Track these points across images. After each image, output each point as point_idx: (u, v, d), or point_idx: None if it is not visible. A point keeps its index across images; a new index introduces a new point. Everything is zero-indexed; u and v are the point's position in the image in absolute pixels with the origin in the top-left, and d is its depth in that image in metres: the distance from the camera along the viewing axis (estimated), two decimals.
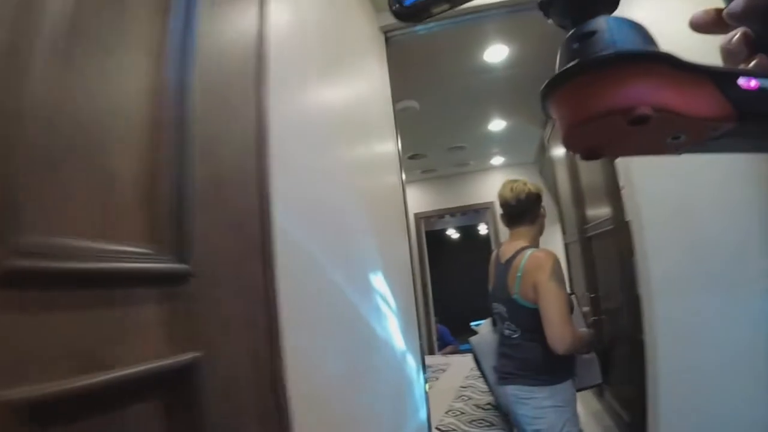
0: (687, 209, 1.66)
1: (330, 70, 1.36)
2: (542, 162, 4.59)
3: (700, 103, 0.25)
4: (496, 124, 3.92)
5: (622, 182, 1.96)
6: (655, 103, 0.24)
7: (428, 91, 3.06)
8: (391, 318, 1.57)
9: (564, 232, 3.83)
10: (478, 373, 3.56)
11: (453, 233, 9.19)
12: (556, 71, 0.26)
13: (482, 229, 8.21)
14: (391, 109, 2.10)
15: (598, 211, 2.49)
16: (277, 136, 0.89)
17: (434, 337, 5.60)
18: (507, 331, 1.88)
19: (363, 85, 1.75)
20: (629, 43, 0.25)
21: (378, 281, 1.50)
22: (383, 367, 1.48)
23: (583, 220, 2.89)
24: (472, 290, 6.39)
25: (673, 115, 0.24)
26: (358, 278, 1.33)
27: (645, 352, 1.79)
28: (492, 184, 5.56)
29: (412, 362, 1.82)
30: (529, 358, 1.83)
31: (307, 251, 0.99)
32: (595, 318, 2.67)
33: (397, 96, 3.09)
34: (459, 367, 4.16)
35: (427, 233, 6.35)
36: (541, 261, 1.75)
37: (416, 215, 5.56)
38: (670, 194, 1.68)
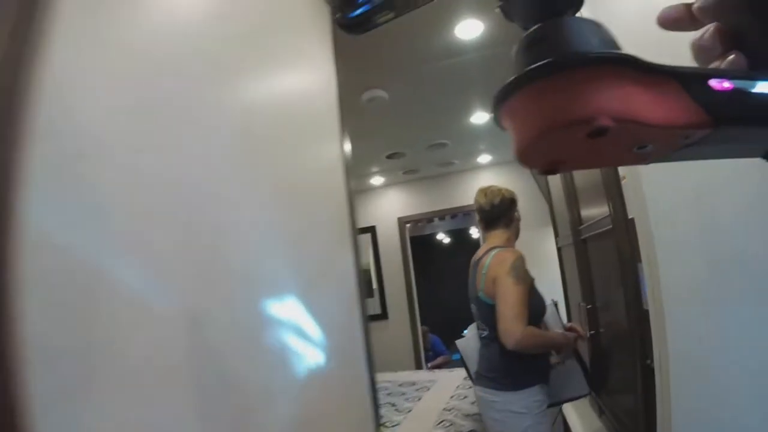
0: (705, 201, 1.29)
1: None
2: None
3: (668, 109, 0.23)
4: (479, 117, 3.54)
5: (623, 171, 1.60)
6: (616, 112, 0.22)
7: (397, 78, 2.70)
8: (309, 352, 1.18)
9: (556, 235, 3.47)
10: (464, 392, 3.30)
11: (443, 238, 8.79)
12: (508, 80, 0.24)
13: (473, 232, 7.84)
14: (335, 101, 1.71)
15: (595, 209, 2.13)
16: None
17: (422, 350, 5.22)
18: (479, 330, 1.92)
19: (280, 73, 1.36)
20: (586, 45, 0.23)
21: (285, 306, 1.10)
22: None
23: (577, 220, 2.52)
24: (464, 296, 5.96)
25: (636, 124, 0.22)
26: (238, 309, 0.92)
27: (655, 383, 1.43)
28: (480, 185, 5.06)
29: (356, 404, 1.43)
30: (493, 359, 1.82)
31: (108, 273, 0.61)
32: (592, 332, 2.30)
33: (362, 85, 2.75)
34: (446, 382, 3.81)
35: (416, 238, 5.99)
36: (504, 257, 1.78)
37: (400, 219, 5.20)
38: (684, 184, 1.30)
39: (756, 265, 1.07)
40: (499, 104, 0.25)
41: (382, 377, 4.46)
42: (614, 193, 1.75)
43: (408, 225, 5.33)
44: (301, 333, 1.11)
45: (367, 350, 1.44)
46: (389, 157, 4.25)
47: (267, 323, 1.00)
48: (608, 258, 2.02)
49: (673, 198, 1.31)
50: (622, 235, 1.71)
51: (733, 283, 1.16)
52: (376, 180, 5.14)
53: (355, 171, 4.82)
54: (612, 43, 0.24)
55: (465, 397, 3.34)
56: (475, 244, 6.92)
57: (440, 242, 8.78)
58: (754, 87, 0.24)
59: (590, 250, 2.37)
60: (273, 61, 1.31)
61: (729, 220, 1.17)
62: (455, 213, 5.36)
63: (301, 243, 1.21)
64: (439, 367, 5.85)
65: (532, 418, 1.74)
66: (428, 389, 3.85)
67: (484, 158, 4.85)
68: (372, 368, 1.48)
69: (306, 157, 1.39)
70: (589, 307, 2.36)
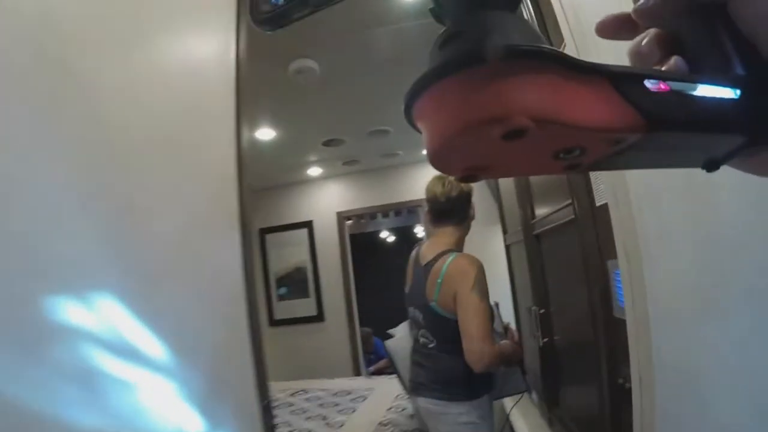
0: (698, 184, 1.01)
1: None
2: None
3: (597, 111, 0.21)
4: None
5: None
6: (536, 111, 0.20)
7: (329, 46, 2.33)
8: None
9: (505, 232, 3.18)
10: (402, 403, 3.05)
11: (387, 236, 8.46)
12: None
13: (419, 231, 7.57)
14: (232, 73, 1.34)
15: (551, 199, 1.84)
16: None
17: (361, 353, 4.87)
18: (423, 339, 1.76)
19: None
20: (506, 40, 0.21)
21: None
22: None
23: (530, 213, 2.24)
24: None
25: (559, 126, 0.20)
26: None
27: (632, 405, 1.14)
28: (426, 180, 4.82)
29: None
30: (443, 370, 1.71)
31: None
32: (546, 339, 2.03)
33: (288, 53, 2.37)
34: (385, 390, 3.50)
35: (358, 236, 5.61)
36: (465, 268, 1.63)
37: (339, 214, 4.83)
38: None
39: (761, 257, 0.78)
40: (410, 102, 0.22)
41: (315, 385, 4.13)
42: (578, 178, 1.46)
43: (349, 222, 4.97)
44: (123, 350, 0.73)
45: (259, 371, 1.07)
46: (326, 144, 3.87)
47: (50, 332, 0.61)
48: (567, 255, 1.73)
49: (657, 180, 1.02)
50: (588, 227, 1.42)
51: (732, 277, 0.87)
52: (314, 171, 4.74)
53: (290, 160, 4.48)
54: (538, 38, 0.22)
55: (403, 409, 3.04)
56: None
57: (384, 241, 8.42)
58: (694, 90, 0.22)
59: (544, 247, 2.09)
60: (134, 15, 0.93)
61: (726, 198, 0.87)
62: (399, 209, 5.05)
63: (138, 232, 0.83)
64: (381, 371, 5.57)
65: (488, 426, 1.70)
66: (365, 399, 3.52)
67: None
68: (265, 393, 1.12)
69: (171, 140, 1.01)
70: (542, 311, 2.08)
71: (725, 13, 0.24)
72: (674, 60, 0.25)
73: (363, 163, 4.68)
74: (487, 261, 1.80)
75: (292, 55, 2.35)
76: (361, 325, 4.97)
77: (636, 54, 0.27)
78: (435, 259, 1.70)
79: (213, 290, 1.01)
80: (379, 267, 7.78)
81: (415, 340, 1.82)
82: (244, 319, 1.07)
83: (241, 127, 1.29)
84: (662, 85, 0.22)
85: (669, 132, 0.22)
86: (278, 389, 3.86)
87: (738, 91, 0.23)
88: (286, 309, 4.81)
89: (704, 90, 0.22)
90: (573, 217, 1.54)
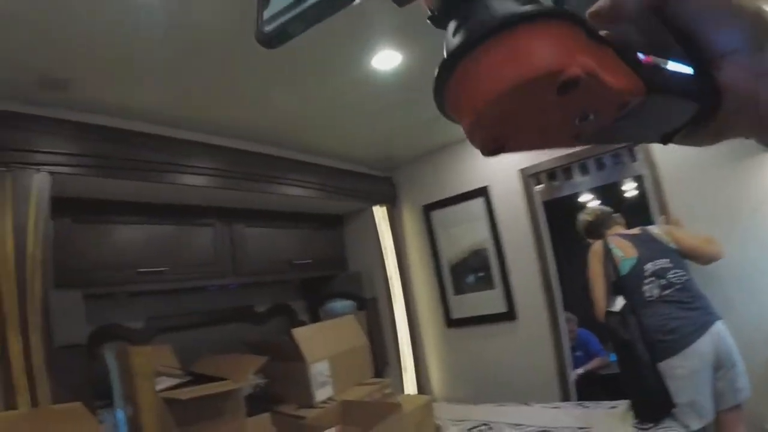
0: None
1: None
2: None
3: (617, 73, 0.25)
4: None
5: None
6: (586, 65, 0.23)
7: None
8: None
9: None
10: None
11: (590, 200, 6.65)
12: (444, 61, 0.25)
13: (627, 188, 5.74)
14: None
15: None
16: None
17: (566, 350, 3.55)
18: (673, 278, 2.26)
19: None
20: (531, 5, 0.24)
21: None
22: None
23: None
24: None
25: (598, 81, 0.23)
26: None
27: None
28: None
29: None
30: (700, 291, 2.30)
31: None
32: None
33: None
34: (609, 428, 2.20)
35: (551, 203, 4.23)
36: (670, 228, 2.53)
37: (523, 173, 3.53)
38: None
39: None
40: (449, 69, 0.24)
41: (503, 414, 2.76)
42: None
43: (539, 187, 3.63)
44: None
45: None
46: None
47: None
48: None
49: None
50: None
51: None
52: None
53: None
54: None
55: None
56: (633, 206, 4.78)
57: (585, 207, 6.67)
58: (666, 64, 0.29)
59: None
60: None
61: None
62: (601, 156, 3.54)
63: None
64: (593, 373, 4.18)
65: None
66: None
67: None
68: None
69: None
70: None
71: (665, 14, 0.29)
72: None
73: None
74: None
75: None
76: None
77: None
78: (644, 230, 2.55)
79: None
80: (581, 240, 6.20)
81: (660, 288, 2.26)
82: None
83: None
84: (647, 58, 0.29)
85: (659, 95, 0.27)
86: (450, 416, 2.83)
87: (692, 69, 0.29)
88: (465, 305, 3.72)
89: (671, 65, 0.29)
90: None
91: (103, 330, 2.48)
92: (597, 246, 2.61)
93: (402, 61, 2.33)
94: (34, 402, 1.66)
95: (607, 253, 2.49)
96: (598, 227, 2.77)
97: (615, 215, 2.82)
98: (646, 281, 2.30)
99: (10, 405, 1.62)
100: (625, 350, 2.28)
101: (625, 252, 2.43)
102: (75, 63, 1.87)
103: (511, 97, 0.22)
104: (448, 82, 0.24)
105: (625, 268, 2.39)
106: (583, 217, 2.96)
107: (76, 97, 2.09)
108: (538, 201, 3.55)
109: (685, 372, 2.12)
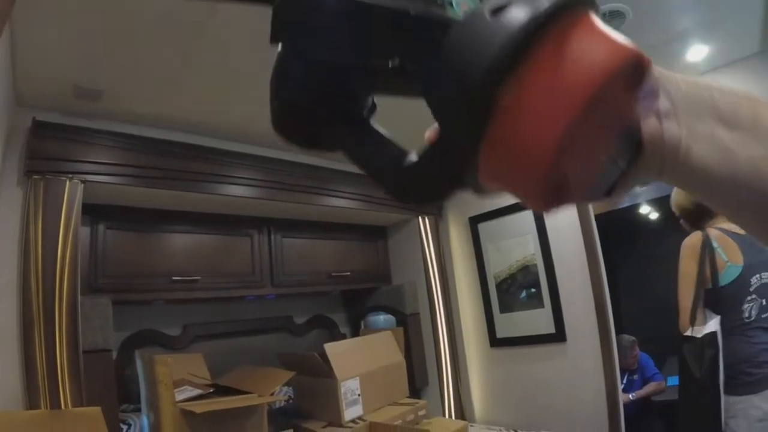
0: None
1: None
2: None
3: None
4: None
5: None
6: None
7: None
8: None
9: None
10: None
11: (649, 211, 6.24)
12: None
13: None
14: None
15: None
16: None
17: (617, 379, 3.31)
18: None
19: None
20: None
21: None
22: None
23: None
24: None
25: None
26: None
27: None
28: None
29: None
30: None
31: None
32: None
33: None
34: None
35: (607, 216, 3.98)
36: None
37: None
38: None
39: None
40: (513, 58, 0.20)
41: None
42: None
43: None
44: None
45: None
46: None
47: None
48: None
49: None
50: None
51: None
52: None
53: None
54: None
55: None
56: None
57: (644, 219, 6.26)
58: None
59: None
60: None
61: None
62: None
63: None
64: (647, 399, 3.93)
65: None
66: None
67: (696, 51, 2.61)
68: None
69: None
70: None
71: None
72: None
73: None
74: None
75: None
76: (618, 332, 3.35)
77: None
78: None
79: None
80: (640, 256, 5.82)
81: (762, 310, 1.78)
82: None
83: None
84: None
85: None
86: None
87: None
88: (511, 324, 3.53)
89: None
90: None
91: (140, 335, 2.49)
92: (695, 239, 2.02)
93: None
94: (56, 405, 1.67)
95: (708, 251, 1.93)
96: (703, 215, 2.11)
97: None
98: (749, 298, 1.82)
99: (32, 406, 1.65)
100: (693, 388, 1.88)
101: (730, 256, 1.89)
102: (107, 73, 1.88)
103: (595, 106, 0.19)
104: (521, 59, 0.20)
105: (727, 276, 1.87)
106: (686, 196, 2.20)
107: (112, 108, 2.11)
108: (591, 213, 3.33)
109: (760, 415, 1.75)
